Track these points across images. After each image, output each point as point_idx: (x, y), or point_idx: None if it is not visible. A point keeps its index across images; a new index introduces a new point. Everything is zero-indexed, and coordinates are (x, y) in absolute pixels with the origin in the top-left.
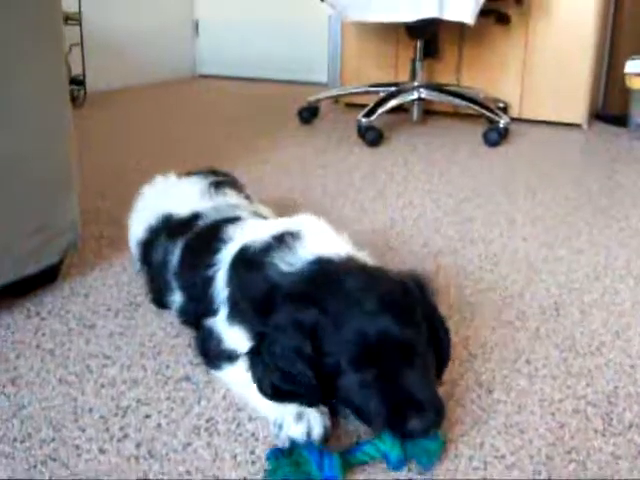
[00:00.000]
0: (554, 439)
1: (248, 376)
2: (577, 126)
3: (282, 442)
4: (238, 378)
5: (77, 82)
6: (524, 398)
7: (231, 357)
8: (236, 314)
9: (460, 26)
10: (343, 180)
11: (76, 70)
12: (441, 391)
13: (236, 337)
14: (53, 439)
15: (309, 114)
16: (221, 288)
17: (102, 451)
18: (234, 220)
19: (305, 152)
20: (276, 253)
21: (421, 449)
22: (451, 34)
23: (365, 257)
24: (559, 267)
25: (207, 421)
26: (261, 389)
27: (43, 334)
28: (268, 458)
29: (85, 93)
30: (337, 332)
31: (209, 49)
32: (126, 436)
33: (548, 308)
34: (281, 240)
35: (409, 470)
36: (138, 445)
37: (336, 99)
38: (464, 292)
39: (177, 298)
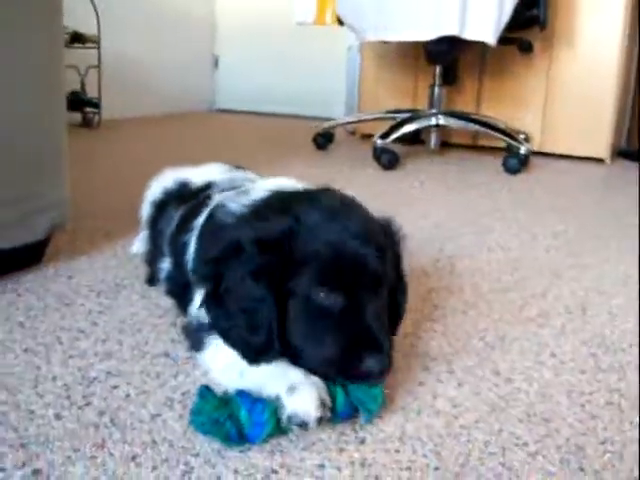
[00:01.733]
0: (585, 429)
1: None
2: (600, 161)
3: (284, 421)
4: (223, 352)
5: (93, 105)
6: (548, 389)
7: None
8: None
9: (480, 54)
10: (356, 195)
11: (92, 94)
12: (453, 378)
13: None
14: (5, 402)
15: (324, 140)
16: (191, 254)
17: (58, 417)
18: (238, 189)
19: (318, 172)
20: (231, 199)
21: (365, 394)
22: (471, 62)
23: None
24: (584, 274)
25: (182, 394)
26: (229, 341)
27: (17, 308)
28: (196, 396)
29: (100, 116)
30: (310, 241)
31: (228, 84)
32: (88, 404)
33: (574, 308)
34: (244, 192)
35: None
36: (100, 413)
37: (353, 131)
38: (480, 290)
39: (165, 265)
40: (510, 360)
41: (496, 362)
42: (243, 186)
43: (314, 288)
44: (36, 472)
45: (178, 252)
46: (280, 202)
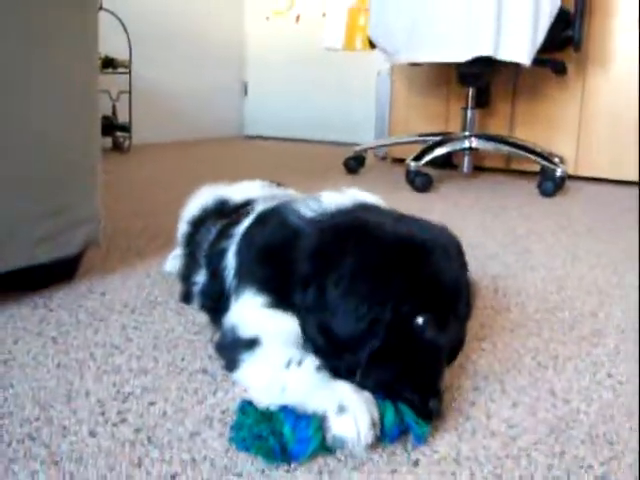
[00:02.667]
0: None
1: (274, 362)
2: (635, 184)
3: (329, 442)
4: (261, 368)
5: (124, 129)
6: (609, 410)
7: (249, 345)
8: (247, 280)
9: (514, 76)
10: None
11: (123, 118)
12: (507, 398)
13: (251, 315)
14: (37, 418)
15: (356, 164)
16: (231, 259)
17: (92, 434)
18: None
19: None
20: (295, 205)
21: (412, 418)
22: (504, 84)
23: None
24: (634, 293)
25: (222, 412)
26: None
27: (48, 323)
28: (237, 411)
29: (131, 141)
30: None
31: (257, 110)
32: (124, 421)
33: (627, 329)
34: (302, 200)
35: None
36: (137, 431)
37: (384, 156)
38: (527, 310)
39: (201, 278)
40: (565, 380)
41: (551, 382)
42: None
43: (418, 315)
44: None
45: (214, 262)
46: (365, 222)
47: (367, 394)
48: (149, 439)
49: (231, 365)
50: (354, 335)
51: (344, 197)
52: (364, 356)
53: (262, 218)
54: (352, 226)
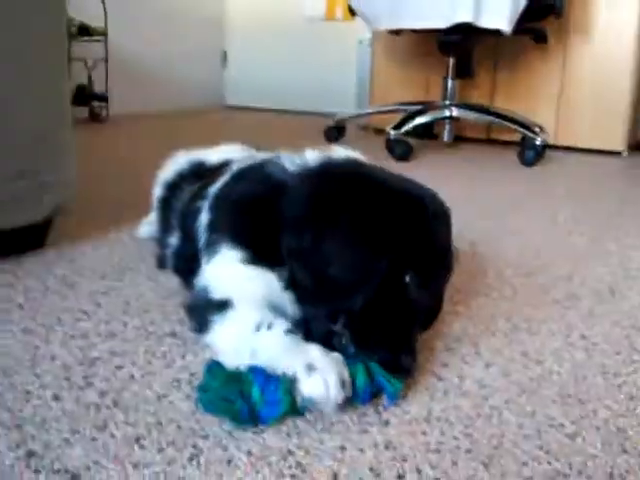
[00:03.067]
0: (624, 411)
1: (244, 326)
2: (616, 154)
3: (298, 403)
4: (232, 331)
5: (100, 98)
6: (582, 370)
7: (220, 307)
8: (221, 234)
9: (494, 46)
10: None
11: (100, 87)
12: (479, 359)
13: (224, 275)
14: (0, 383)
15: (336, 133)
16: (205, 216)
17: (56, 398)
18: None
19: None
20: (278, 160)
21: (385, 376)
22: (485, 54)
23: None
24: (610, 259)
25: (191, 375)
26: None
27: (15, 290)
28: (204, 372)
29: (108, 111)
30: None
31: (237, 80)
32: (89, 385)
33: (602, 291)
34: (284, 156)
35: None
36: (102, 394)
37: (365, 126)
38: (503, 275)
39: (174, 240)
40: (539, 342)
41: (524, 343)
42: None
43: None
44: (30, 454)
45: (188, 222)
46: (361, 172)
47: (337, 355)
48: (115, 402)
49: (202, 328)
50: (352, 281)
51: (329, 153)
52: (359, 303)
53: (241, 174)
54: (349, 173)
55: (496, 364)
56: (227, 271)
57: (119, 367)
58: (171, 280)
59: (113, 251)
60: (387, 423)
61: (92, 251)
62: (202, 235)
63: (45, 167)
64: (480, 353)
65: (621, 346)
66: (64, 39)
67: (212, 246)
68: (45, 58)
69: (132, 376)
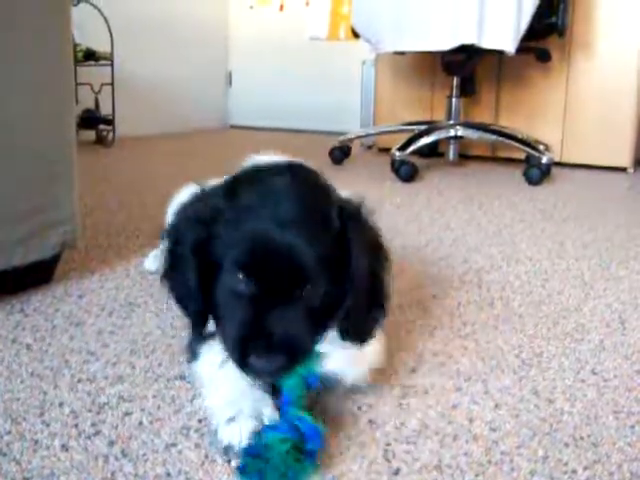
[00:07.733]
0: (637, 454)
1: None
2: (622, 170)
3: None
4: (207, 365)
5: (106, 122)
6: (594, 409)
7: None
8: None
9: (498, 64)
10: (374, 208)
11: (106, 111)
12: (489, 399)
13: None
14: (9, 432)
15: (341, 154)
16: None
17: (65, 448)
18: None
19: (335, 185)
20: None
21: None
22: (489, 73)
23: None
24: (619, 285)
25: (199, 421)
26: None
27: (23, 329)
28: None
29: (114, 134)
30: (235, 227)
31: (242, 100)
32: (97, 433)
33: (612, 322)
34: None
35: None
36: (110, 443)
37: (370, 145)
38: (511, 305)
39: None
40: (549, 378)
41: (535, 381)
42: None
43: (233, 270)
44: None
45: None
46: (235, 180)
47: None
48: (123, 452)
49: (191, 358)
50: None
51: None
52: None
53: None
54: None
55: (506, 404)
56: None
57: (128, 413)
58: (178, 317)
59: (120, 286)
60: (397, 472)
61: (99, 287)
62: None
63: (53, 204)
64: (490, 392)
65: (633, 382)
66: (71, 69)
67: None
68: (54, 88)
69: (140, 423)
